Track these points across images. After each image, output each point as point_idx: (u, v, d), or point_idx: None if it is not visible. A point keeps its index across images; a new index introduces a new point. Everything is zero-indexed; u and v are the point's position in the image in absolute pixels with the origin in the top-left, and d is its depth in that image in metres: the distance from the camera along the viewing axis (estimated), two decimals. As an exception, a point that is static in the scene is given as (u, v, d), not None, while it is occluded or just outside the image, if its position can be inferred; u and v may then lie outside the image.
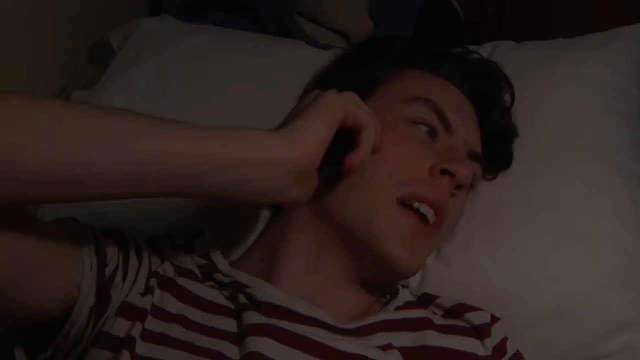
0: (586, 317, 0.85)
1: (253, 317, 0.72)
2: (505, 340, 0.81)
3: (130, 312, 0.72)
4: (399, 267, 0.77)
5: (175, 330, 0.71)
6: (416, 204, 0.78)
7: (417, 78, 0.88)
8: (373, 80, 0.88)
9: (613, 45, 1.03)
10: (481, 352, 0.78)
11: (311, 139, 0.67)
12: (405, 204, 0.78)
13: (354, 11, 1.26)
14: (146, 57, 1.07)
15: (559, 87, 0.99)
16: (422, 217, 0.79)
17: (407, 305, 0.83)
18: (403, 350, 0.75)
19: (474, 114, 0.89)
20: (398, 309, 0.82)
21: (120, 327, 0.70)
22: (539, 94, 0.99)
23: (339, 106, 0.69)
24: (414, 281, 0.90)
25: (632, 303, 0.86)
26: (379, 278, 0.82)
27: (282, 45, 1.13)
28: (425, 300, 0.85)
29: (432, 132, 0.83)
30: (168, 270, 0.78)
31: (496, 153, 0.92)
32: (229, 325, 0.73)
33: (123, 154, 0.60)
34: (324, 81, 0.98)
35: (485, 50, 1.07)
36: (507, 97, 0.95)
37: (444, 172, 0.79)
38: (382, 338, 0.76)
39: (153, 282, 0.75)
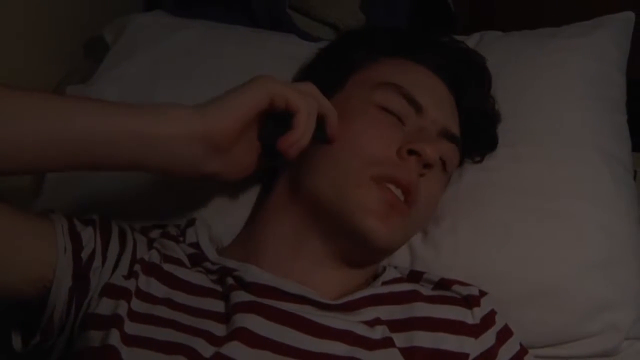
0: (570, 298, 0.87)
1: (240, 296, 0.74)
2: (493, 312, 0.82)
3: (114, 291, 0.73)
4: (374, 240, 0.78)
5: (162, 311, 0.73)
6: (384, 184, 0.79)
7: (390, 65, 0.89)
8: (348, 69, 0.89)
9: (598, 33, 1.04)
10: (469, 320, 0.79)
11: (223, 114, 0.70)
12: (378, 182, 0.79)
13: (345, 4, 1.27)
14: (139, 51, 1.07)
15: (544, 74, 1.00)
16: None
17: (395, 280, 0.84)
18: (391, 323, 0.76)
19: (451, 98, 0.90)
20: (385, 283, 0.83)
21: (105, 306, 0.72)
22: (524, 80, 1.00)
23: (262, 87, 0.71)
24: (402, 265, 0.91)
25: (614, 284, 0.88)
26: (360, 256, 0.83)
27: (274, 39, 1.13)
28: (413, 276, 0.87)
29: (400, 117, 0.83)
30: (154, 257, 0.79)
31: (480, 136, 0.93)
32: (216, 306, 0.74)
33: (42, 132, 0.64)
34: (306, 73, 0.99)
35: (472, 40, 1.08)
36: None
37: (411, 152, 0.80)
38: (370, 312, 0.77)
39: (137, 267, 0.77)
